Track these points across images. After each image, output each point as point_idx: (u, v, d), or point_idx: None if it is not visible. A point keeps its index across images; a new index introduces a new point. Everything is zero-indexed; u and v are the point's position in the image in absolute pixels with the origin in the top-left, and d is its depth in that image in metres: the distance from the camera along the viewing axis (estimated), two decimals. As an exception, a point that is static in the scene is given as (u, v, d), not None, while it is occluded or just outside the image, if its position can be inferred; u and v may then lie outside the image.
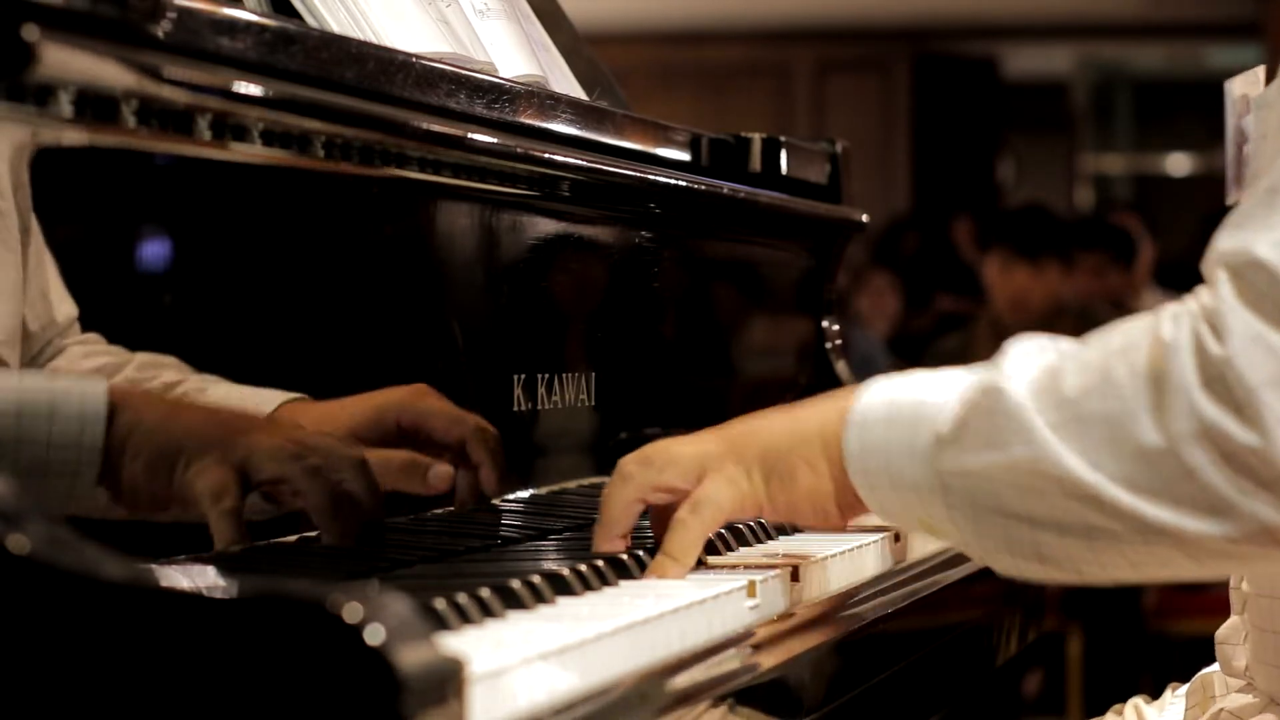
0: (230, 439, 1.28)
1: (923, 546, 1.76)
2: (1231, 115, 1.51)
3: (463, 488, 1.53)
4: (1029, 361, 1.29)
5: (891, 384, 1.37)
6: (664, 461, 1.41)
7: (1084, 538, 1.25)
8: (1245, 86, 1.52)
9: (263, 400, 1.40)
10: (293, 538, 1.38)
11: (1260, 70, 1.54)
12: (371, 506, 1.33)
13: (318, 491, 1.30)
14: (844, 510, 1.40)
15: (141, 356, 1.29)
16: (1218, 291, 1.22)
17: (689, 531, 1.39)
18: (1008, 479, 1.27)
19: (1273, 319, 1.19)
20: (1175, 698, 1.70)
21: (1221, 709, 1.57)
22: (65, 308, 1.24)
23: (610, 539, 1.42)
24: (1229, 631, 1.59)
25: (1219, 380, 1.20)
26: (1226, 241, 1.24)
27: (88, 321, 1.27)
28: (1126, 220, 7.05)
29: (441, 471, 1.43)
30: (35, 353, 1.25)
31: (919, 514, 1.34)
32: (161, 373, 1.31)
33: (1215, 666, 1.64)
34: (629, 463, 1.43)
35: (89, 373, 1.26)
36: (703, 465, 1.40)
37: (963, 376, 1.33)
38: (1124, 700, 1.75)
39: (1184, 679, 1.71)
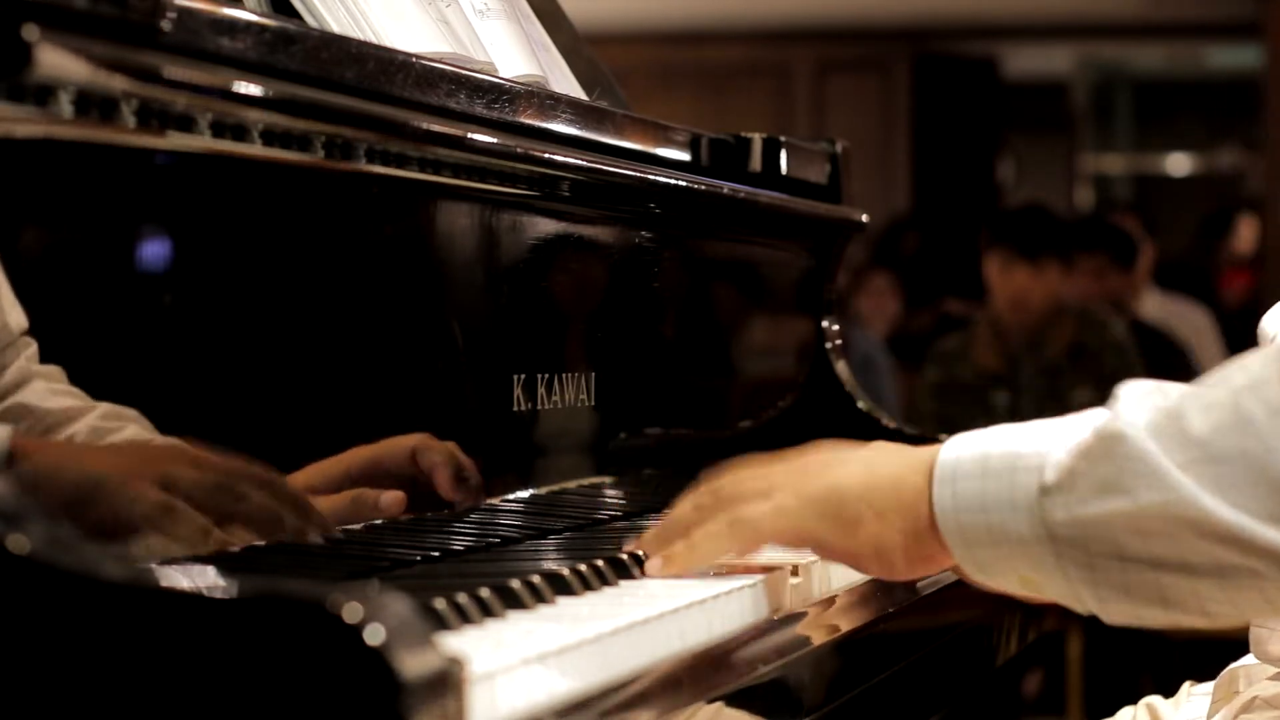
0: (151, 465, 1.28)
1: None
2: None
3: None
4: (1144, 404, 1.27)
5: (978, 437, 1.34)
6: (731, 494, 1.39)
7: (1216, 577, 1.24)
8: None
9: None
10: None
11: None
12: (298, 505, 1.33)
13: (254, 512, 1.30)
14: (911, 563, 1.36)
15: (104, 407, 1.28)
16: None
17: (714, 544, 1.38)
18: (1129, 525, 1.25)
19: None
20: (1195, 694, 1.70)
21: (1255, 696, 1.56)
22: (15, 315, 1.23)
23: (683, 573, 1.39)
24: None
25: None
26: None
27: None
28: (1126, 221, 7.05)
29: (390, 498, 1.44)
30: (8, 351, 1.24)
31: (1021, 570, 1.31)
32: (125, 426, 1.30)
33: (1243, 660, 1.62)
34: (705, 492, 1.41)
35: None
36: (766, 488, 1.38)
37: (1062, 424, 1.31)
38: (1129, 701, 1.74)
39: (1193, 678, 1.71)
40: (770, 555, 1.54)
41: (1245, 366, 1.26)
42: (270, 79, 1.30)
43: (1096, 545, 1.26)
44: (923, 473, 1.34)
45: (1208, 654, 1.63)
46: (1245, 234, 9.01)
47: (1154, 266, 6.79)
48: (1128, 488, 1.24)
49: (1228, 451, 1.22)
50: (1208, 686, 1.68)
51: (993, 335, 5.49)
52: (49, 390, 1.26)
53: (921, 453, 1.36)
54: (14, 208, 1.19)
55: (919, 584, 1.69)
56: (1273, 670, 1.58)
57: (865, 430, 2.16)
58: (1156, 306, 6.36)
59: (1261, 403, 1.23)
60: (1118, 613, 1.30)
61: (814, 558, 1.51)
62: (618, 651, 1.15)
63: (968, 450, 1.33)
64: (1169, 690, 1.74)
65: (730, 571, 1.43)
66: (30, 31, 1.09)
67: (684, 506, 1.41)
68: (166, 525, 1.25)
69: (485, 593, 1.17)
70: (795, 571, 1.47)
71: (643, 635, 1.20)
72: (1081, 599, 1.30)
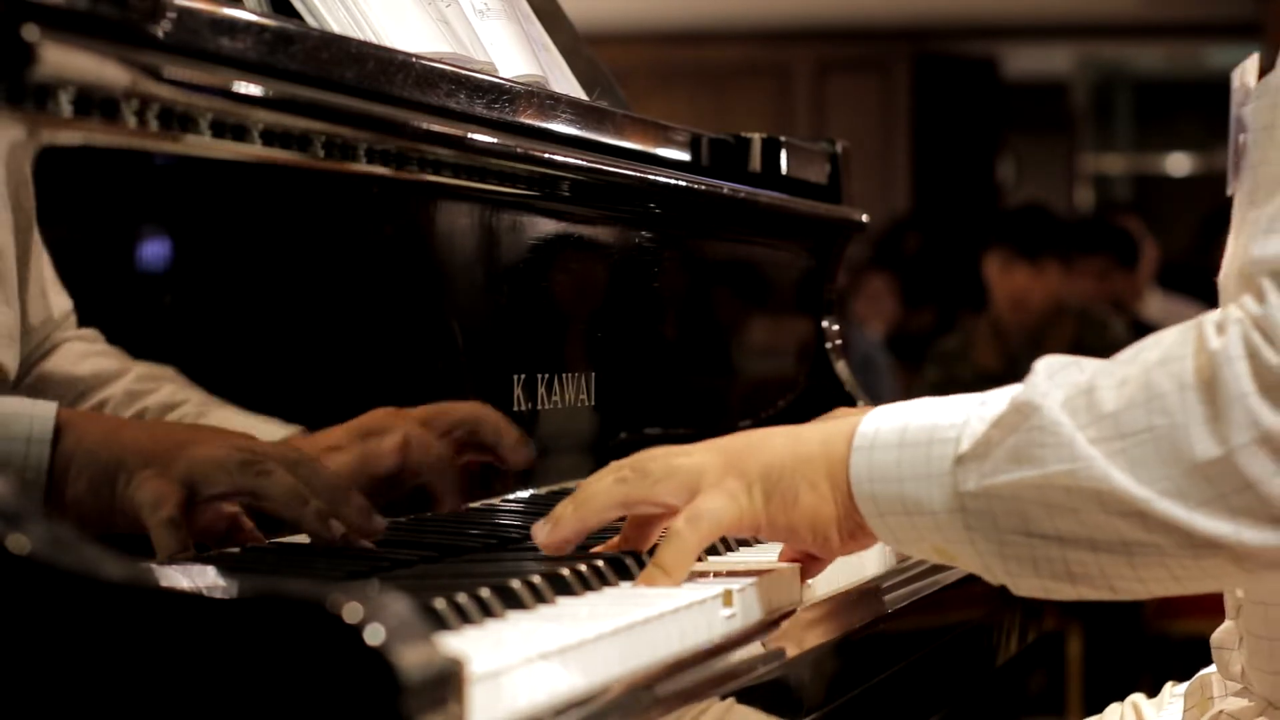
0: (173, 452, 1.28)
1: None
2: (1234, 104, 1.51)
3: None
4: (1060, 378, 1.27)
5: (899, 408, 1.34)
6: (661, 473, 1.37)
7: (1123, 553, 1.24)
8: (1245, 75, 1.52)
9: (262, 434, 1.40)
10: (293, 538, 1.38)
11: (1256, 57, 1.53)
12: (338, 496, 1.34)
13: (279, 490, 1.31)
14: (845, 537, 1.37)
15: (140, 368, 1.29)
16: (1266, 299, 1.21)
17: (685, 544, 1.35)
18: (1037, 496, 1.25)
19: None
20: (1174, 696, 1.70)
21: (1221, 710, 1.57)
22: (60, 301, 1.24)
23: (572, 536, 1.38)
24: (1224, 635, 1.59)
25: (1277, 388, 1.19)
26: (1264, 248, 1.24)
27: (86, 322, 1.27)
28: (1128, 222, 7.04)
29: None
30: (33, 349, 1.25)
31: (934, 540, 1.31)
32: (160, 385, 1.31)
33: (1214, 667, 1.63)
34: (625, 467, 1.38)
35: (80, 380, 1.26)
36: (699, 480, 1.36)
37: (979, 398, 1.31)
38: (1122, 699, 1.75)
39: (1182, 678, 1.71)
40: (767, 557, 1.54)
41: (1160, 342, 1.26)
42: (270, 79, 1.30)
43: (1004, 519, 1.27)
44: (845, 443, 1.34)
45: (1207, 653, 1.63)
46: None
47: (1157, 267, 6.80)
48: (1037, 458, 1.24)
49: (1136, 427, 1.22)
50: (1185, 687, 1.69)
51: (993, 335, 5.49)
52: (80, 354, 1.26)
53: (846, 423, 1.36)
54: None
55: (919, 584, 1.69)
56: (1237, 685, 1.58)
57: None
58: (1159, 308, 6.36)
59: (1172, 378, 1.23)
60: (1026, 586, 1.30)
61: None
62: (618, 651, 1.15)
63: (888, 421, 1.33)
64: (1162, 687, 1.74)
65: (732, 574, 1.43)
66: (30, 31, 1.09)
67: (608, 481, 1.37)
68: (148, 519, 1.26)
69: (485, 593, 1.17)
70: (795, 572, 1.47)
71: (643, 635, 1.20)
72: (992, 570, 1.30)
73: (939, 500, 1.29)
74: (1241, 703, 1.55)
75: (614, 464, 1.40)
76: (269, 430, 1.39)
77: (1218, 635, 1.60)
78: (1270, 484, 1.20)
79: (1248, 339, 1.21)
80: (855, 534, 1.37)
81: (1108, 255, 6.40)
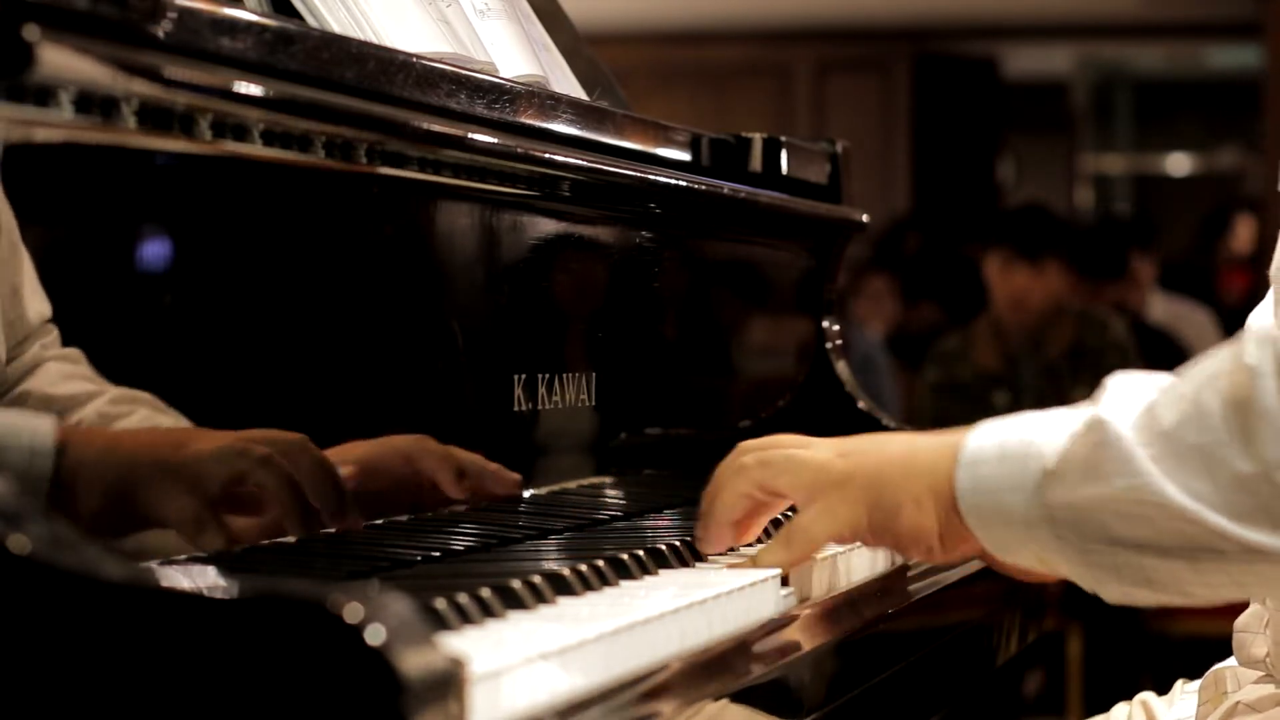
0: (177, 455, 1.29)
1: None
2: None
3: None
4: (1130, 395, 1.32)
5: (1002, 424, 1.39)
6: (784, 466, 1.45)
7: (1188, 560, 1.28)
8: None
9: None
10: (293, 538, 1.38)
11: None
12: (329, 488, 1.36)
13: (273, 476, 1.32)
14: (948, 546, 1.43)
15: (115, 391, 1.28)
16: None
17: (778, 558, 1.44)
18: (1112, 508, 1.30)
19: None
20: (1186, 693, 1.70)
21: (1238, 702, 1.57)
22: (37, 304, 1.24)
23: (721, 532, 1.47)
24: (1249, 619, 1.60)
25: None
26: None
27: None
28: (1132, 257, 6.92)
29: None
30: (10, 351, 1.25)
31: (1032, 548, 1.36)
32: (136, 409, 1.31)
33: (1228, 662, 1.63)
34: (749, 455, 1.47)
35: (50, 403, 1.26)
36: (817, 483, 1.44)
37: (1071, 414, 1.36)
38: (1129, 698, 1.75)
39: (1189, 676, 1.71)
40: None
41: (1210, 362, 1.31)
42: (270, 79, 1.30)
43: (1087, 528, 1.32)
44: (952, 456, 1.40)
45: (1207, 653, 1.63)
46: (1243, 233, 9.00)
47: (1158, 272, 6.76)
48: (1105, 474, 1.30)
49: (1188, 444, 1.27)
50: (1198, 684, 1.69)
51: (993, 335, 5.49)
52: (60, 375, 1.26)
53: (950, 438, 1.42)
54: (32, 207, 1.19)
55: (919, 584, 1.69)
56: (1256, 674, 1.58)
57: (865, 430, 2.15)
58: (1162, 310, 6.35)
59: (1216, 395, 1.27)
60: (1111, 593, 1.35)
61: (814, 558, 1.51)
62: (618, 651, 1.15)
63: (990, 438, 1.39)
64: (1167, 689, 1.74)
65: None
66: (31, 31, 1.09)
67: (725, 475, 1.47)
68: (184, 531, 1.27)
69: (486, 593, 1.17)
70: (791, 575, 1.47)
71: (643, 635, 1.20)
72: (1082, 579, 1.36)
73: (1033, 513, 1.35)
74: (1262, 690, 1.55)
75: (740, 448, 1.48)
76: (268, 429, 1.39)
77: (1241, 619, 1.61)
78: None
79: (1277, 355, 1.24)
80: (960, 543, 1.42)
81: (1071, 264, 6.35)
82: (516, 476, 1.65)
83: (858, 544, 1.60)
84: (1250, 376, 1.25)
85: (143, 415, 1.30)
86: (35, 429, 1.21)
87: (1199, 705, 1.65)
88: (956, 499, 1.39)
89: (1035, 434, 1.36)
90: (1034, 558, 1.38)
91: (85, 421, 1.27)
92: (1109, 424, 1.30)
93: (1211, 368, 1.29)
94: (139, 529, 1.26)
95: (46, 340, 1.24)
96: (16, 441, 1.20)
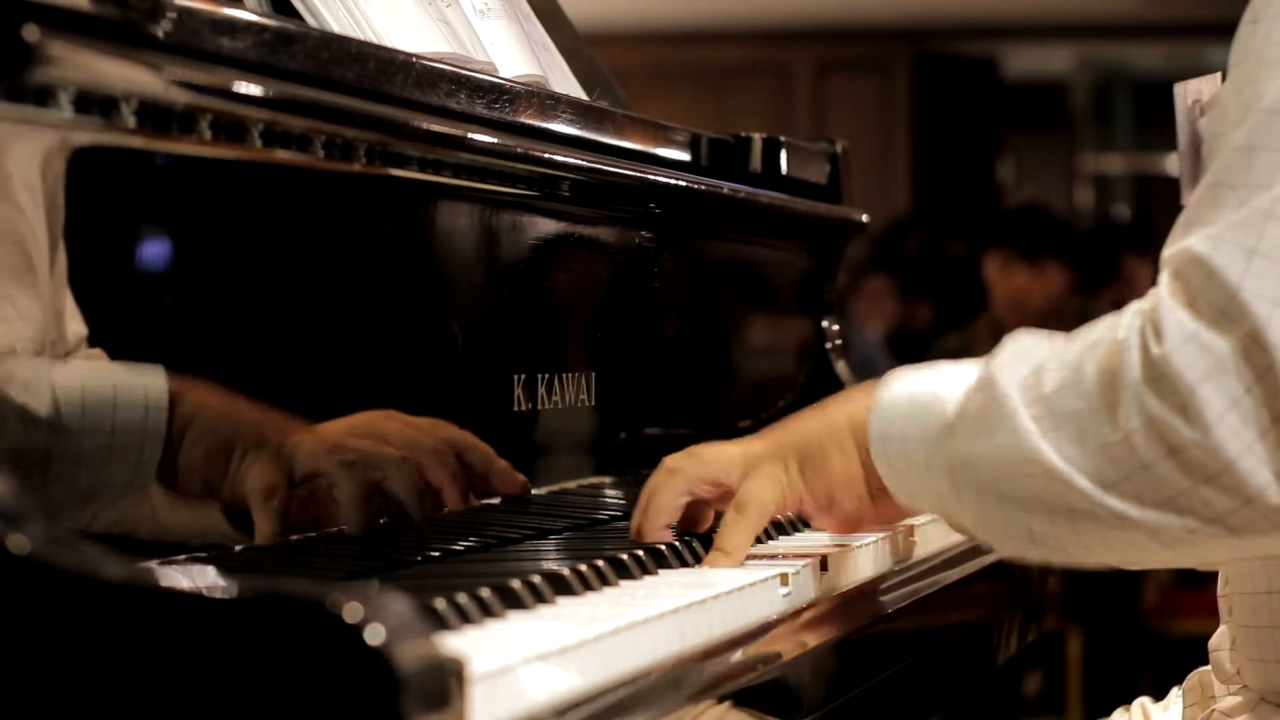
0: (281, 436, 1.36)
1: (924, 547, 1.76)
2: (1184, 119, 1.54)
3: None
4: (1022, 355, 1.35)
5: (914, 375, 1.43)
6: (710, 457, 1.50)
7: (1067, 520, 1.30)
8: (1200, 89, 1.54)
9: None
10: (294, 537, 1.38)
11: (1218, 75, 1.54)
12: (411, 502, 1.42)
13: (350, 482, 1.38)
14: (875, 495, 1.46)
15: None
16: (1159, 292, 1.27)
17: (738, 529, 1.46)
18: (999, 465, 1.32)
19: (1206, 317, 1.25)
20: (1178, 698, 1.71)
21: (1214, 710, 1.58)
22: (75, 325, 1.25)
23: (657, 528, 1.49)
24: (1220, 638, 1.60)
25: (1160, 379, 1.25)
26: (1173, 242, 1.30)
27: (85, 322, 1.27)
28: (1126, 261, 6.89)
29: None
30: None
31: (934, 499, 1.39)
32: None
33: (1209, 666, 1.64)
34: (675, 458, 1.51)
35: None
36: (746, 462, 1.48)
37: (975, 367, 1.39)
38: (1128, 701, 1.75)
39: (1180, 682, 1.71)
40: (771, 554, 1.54)
41: (1094, 330, 1.33)
42: (270, 79, 1.30)
43: (981, 482, 1.35)
44: (867, 406, 1.44)
45: (1206, 653, 1.63)
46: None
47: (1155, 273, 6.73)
48: (991, 429, 1.33)
49: (1065, 409, 1.29)
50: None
51: (993, 335, 5.48)
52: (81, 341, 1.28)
53: (869, 390, 1.45)
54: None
55: (920, 584, 1.69)
56: (1233, 685, 1.59)
57: (865, 430, 2.15)
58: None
59: (1094, 363, 1.29)
60: (1003, 547, 1.40)
61: (811, 559, 1.51)
62: (618, 651, 1.15)
63: (901, 388, 1.42)
64: (1166, 690, 1.75)
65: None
66: (30, 32, 1.09)
67: (658, 479, 1.51)
68: (258, 504, 1.33)
69: (485, 593, 1.17)
70: (820, 563, 1.48)
71: (643, 635, 1.20)
72: (978, 531, 1.39)
73: (935, 463, 1.38)
74: (1235, 700, 1.56)
75: (664, 460, 1.51)
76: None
77: (1215, 639, 1.61)
78: (1157, 468, 1.25)
79: (1142, 330, 1.27)
80: (885, 497, 1.45)
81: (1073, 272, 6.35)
82: (524, 479, 1.65)
83: (856, 544, 1.60)
84: (1119, 349, 1.27)
85: None
86: (149, 385, 1.26)
87: (1184, 708, 1.66)
88: (869, 446, 1.43)
89: (940, 386, 1.39)
90: (937, 507, 1.40)
91: None
92: (996, 381, 1.33)
93: (1094, 336, 1.32)
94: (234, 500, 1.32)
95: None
96: (132, 397, 1.25)
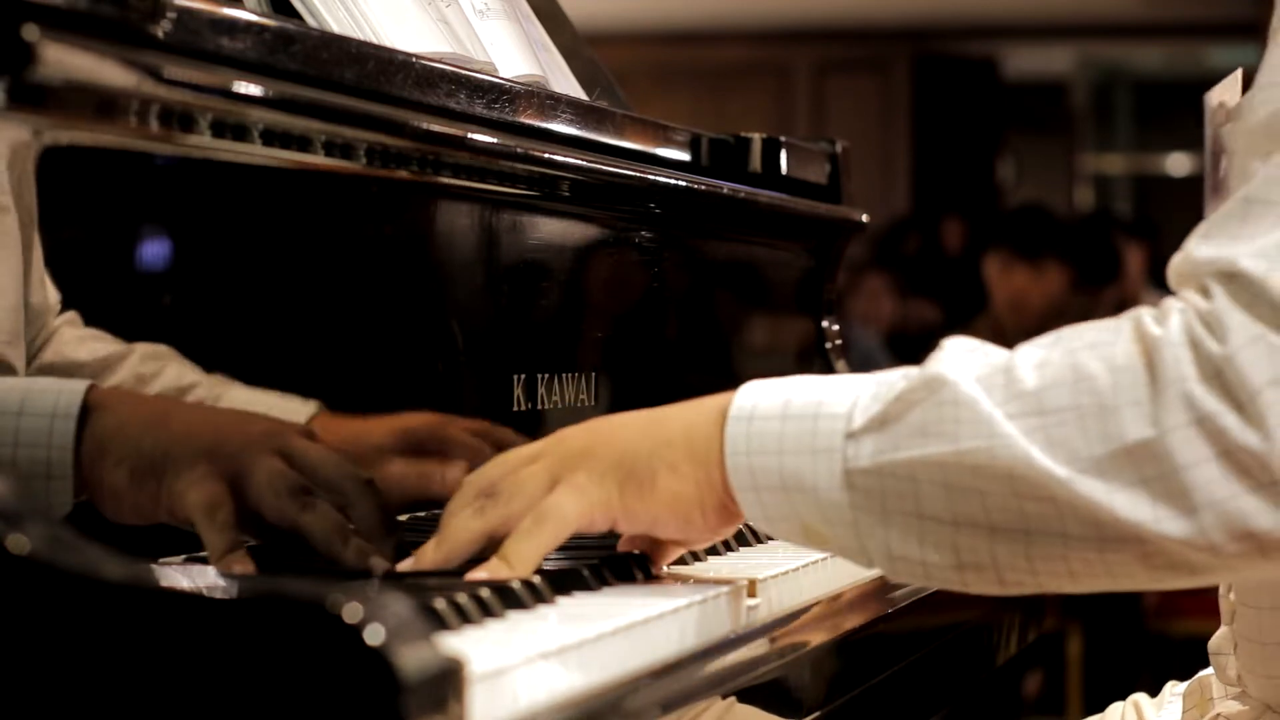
0: (224, 448, 1.26)
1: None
2: (1209, 125, 1.51)
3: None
4: (971, 359, 1.24)
5: (777, 383, 1.30)
6: (511, 491, 1.32)
7: (1021, 542, 1.21)
8: (1223, 94, 1.52)
9: (285, 413, 1.40)
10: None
11: (1238, 74, 1.53)
12: (380, 528, 1.31)
13: (319, 527, 1.28)
14: (708, 517, 1.32)
15: (143, 347, 1.28)
16: (1211, 295, 1.20)
17: (531, 543, 1.30)
18: (939, 476, 1.21)
19: (1270, 322, 1.18)
20: (1174, 696, 1.70)
21: (1219, 714, 1.57)
22: (60, 301, 1.24)
23: (449, 564, 1.31)
24: (1220, 641, 1.58)
25: (1218, 376, 1.17)
26: (1205, 250, 1.23)
27: (84, 323, 1.27)
28: (1118, 241, 6.91)
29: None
30: (33, 348, 1.25)
31: (808, 519, 1.27)
32: (165, 365, 1.31)
33: (1211, 669, 1.63)
34: (479, 491, 1.33)
35: (82, 367, 1.25)
36: (552, 480, 1.31)
37: (868, 377, 1.28)
38: (1124, 698, 1.75)
39: (1183, 677, 1.71)
40: (770, 553, 1.54)
41: (1082, 331, 1.24)
42: (270, 79, 1.30)
43: (895, 499, 1.23)
44: (715, 420, 1.30)
45: (1207, 654, 1.63)
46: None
47: (1150, 267, 6.76)
48: (949, 433, 1.21)
49: (1059, 404, 1.19)
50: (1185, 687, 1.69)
51: (993, 336, 5.48)
52: (76, 339, 1.26)
53: (710, 401, 1.33)
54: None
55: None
56: (1235, 689, 1.58)
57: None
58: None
59: (1101, 360, 1.20)
60: (906, 571, 1.25)
61: (809, 559, 1.51)
62: (618, 651, 1.15)
63: (767, 396, 1.30)
64: (1161, 687, 1.75)
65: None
66: (30, 31, 1.09)
67: (460, 514, 1.33)
68: (203, 524, 1.24)
69: (485, 593, 1.17)
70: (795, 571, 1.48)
71: (643, 635, 1.20)
72: (868, 553, 1.26)
73: (823, 476, 1.25)
74: (1238, 706, 1.55)
75: (468, 483, 1.34)
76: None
77: (1214, 641, 1.59)
78: (1196, 470, 1.17)
79: (1191, 329, 1.19)
80: (721, 514, 1.32)
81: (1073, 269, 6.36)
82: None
83: None
84: (1157, 345, 1.18)
85: (175, 372, 1.30)
86: (61, 392, 1.20)
87: (1184, 711, 1.65)
88: (725, 459, 1.28)
89: (824, 395, 1.27)
90: (801, 530, 1.27)
91: (124, 384, 1.26)
92: (953, 381, 1.22)
93: (1090, 337, 1.22)
94: (159, 508, 1.25)
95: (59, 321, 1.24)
96: (40, 404, 1.19)
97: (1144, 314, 1.23)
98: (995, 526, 1.21)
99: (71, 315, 1.26)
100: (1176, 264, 1.26)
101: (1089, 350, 1.22)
